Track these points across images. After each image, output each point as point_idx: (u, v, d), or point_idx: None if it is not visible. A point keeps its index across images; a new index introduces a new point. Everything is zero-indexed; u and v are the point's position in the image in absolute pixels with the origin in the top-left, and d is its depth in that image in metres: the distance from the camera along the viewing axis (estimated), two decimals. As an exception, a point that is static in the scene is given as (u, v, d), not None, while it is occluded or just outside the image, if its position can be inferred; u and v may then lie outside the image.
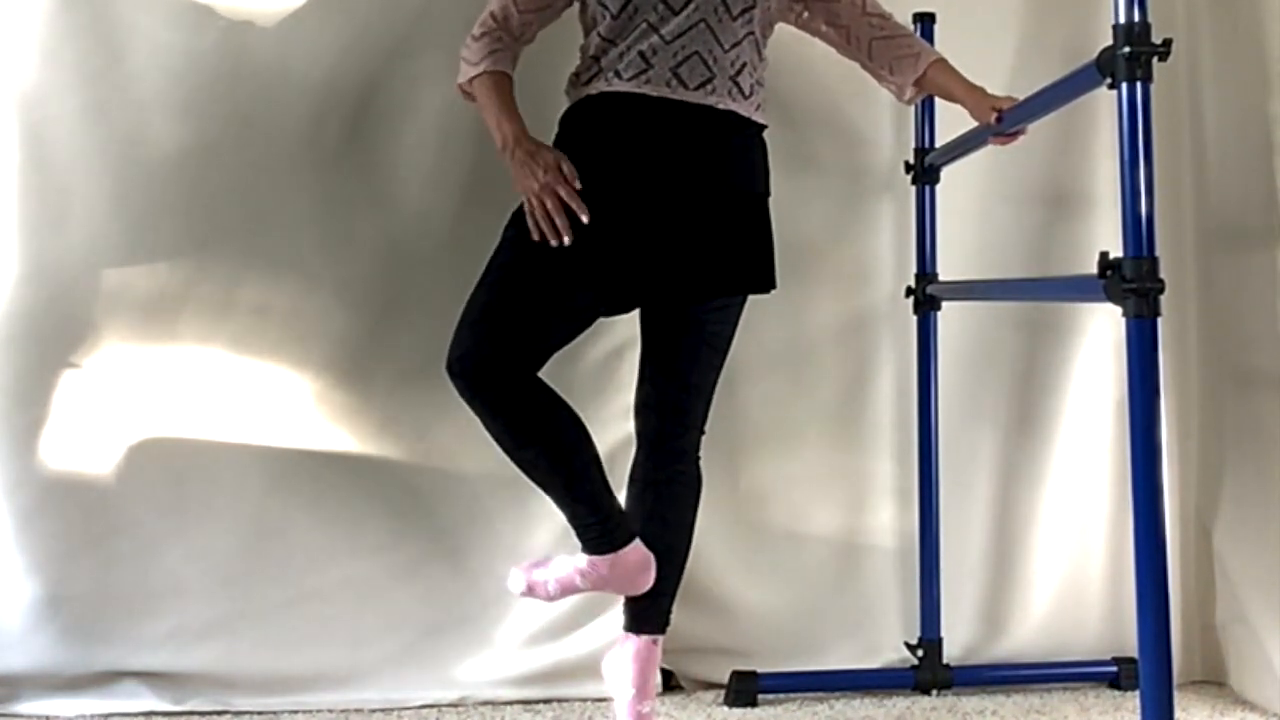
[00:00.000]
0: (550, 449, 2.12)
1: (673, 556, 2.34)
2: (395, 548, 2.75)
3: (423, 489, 2.76)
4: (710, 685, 2.86)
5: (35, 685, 2.59)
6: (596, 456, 2.17)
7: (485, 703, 2.72)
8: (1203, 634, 2.94)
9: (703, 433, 2.38)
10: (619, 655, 2.37)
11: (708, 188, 2.21)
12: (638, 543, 2.23)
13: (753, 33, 2.25)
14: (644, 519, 2.30)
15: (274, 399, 2.71)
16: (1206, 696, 2.83)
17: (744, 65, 2.23)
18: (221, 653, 2.66)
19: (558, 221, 2.11)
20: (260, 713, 2.64)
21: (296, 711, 2.65)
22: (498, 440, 2.12)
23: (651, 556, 2.25)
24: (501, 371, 2.07)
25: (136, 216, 2.64)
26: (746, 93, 2.24)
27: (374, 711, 2.67)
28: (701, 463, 2.38)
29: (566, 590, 2.28)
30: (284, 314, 2.71)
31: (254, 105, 2.68)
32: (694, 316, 2.29)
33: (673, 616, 2.83)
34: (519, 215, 2.21)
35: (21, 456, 2.61)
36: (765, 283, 2.33)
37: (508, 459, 2.15)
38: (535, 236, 2.14)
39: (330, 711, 2.66)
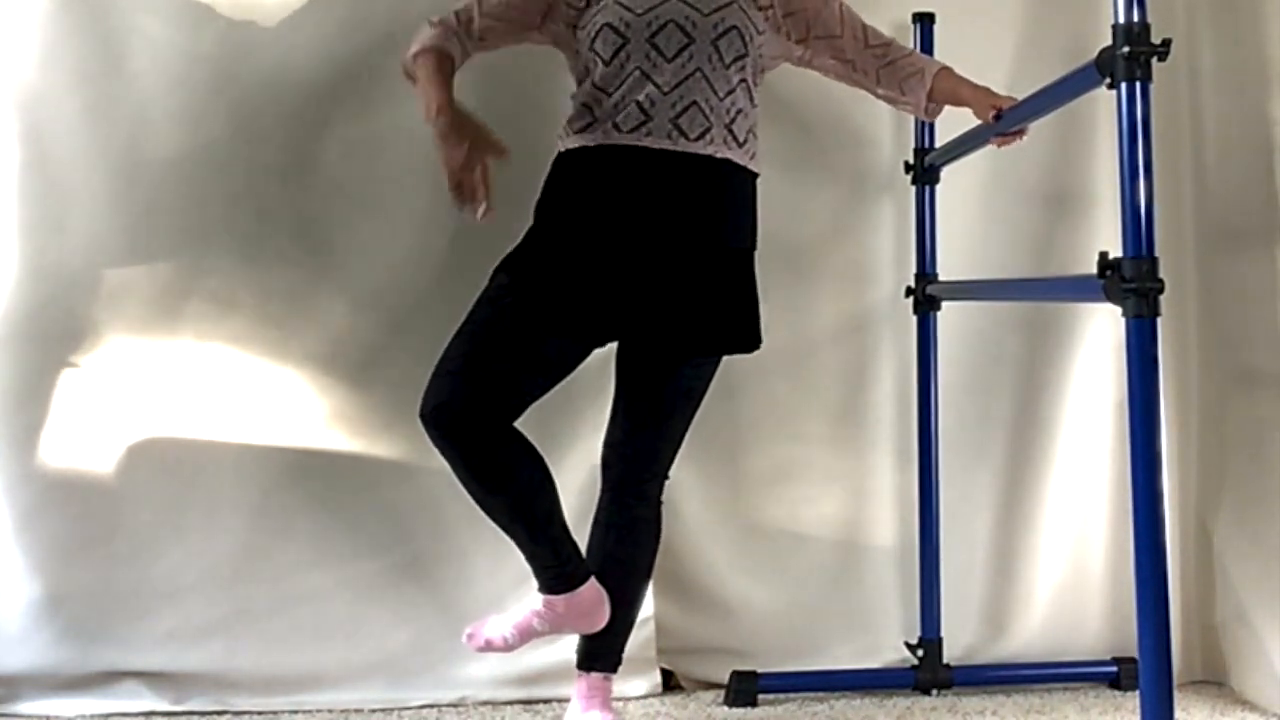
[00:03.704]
0: (515, 497, 2.13)
1: (629, 597, 2.37)
2: (395, 547, 2.75)
3: (423, 488, 2.75)
4: (710, 685, 2.86)
5: (35, 685, 2.59)
6: (558, 502, 2.19)
7: (485, 703, 2.72)
8: (1203, 634, 2.93)
9: (667, 478, 2.39)
10: (574, 698, 2.41)
11: (701, 244, 2.20)
12: (593, 581, 2.24)
13: (745, 80, 2.25)
14: (603, 560, 2.33)
15: (274, 399, 2.71)
16: (1206, 696, 2.83)
17: (739, 112, 2.23)
18: (221, 653, 2.67)
19: (474, 203, 2.05)
20: (260, 713, 2.64)
21: (296, 711, 2.65)
22: (464, 484, 2.13)
23: (605, 594, 2.26)
24: (475, 425, 2.08)
25: (136, 216, 2.65)
26: (741, 140, 2.24)
27: (374, 711, 2.67)
28: (664, 507, 2.41)
29: (525, 635, 2.28)
30: (283, 314, 2.72)
31: (254, 105, 2.68)
32: (671, 370, 2.29)
33: (672, 617, 2.85)
34: (510, 260, 2.20)
35: (21, 456, 2.61)
36: (749, 343, 2.32)
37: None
38: (456, 206, 2.07)
39: (330, 711, 2.66)
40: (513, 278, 2.17)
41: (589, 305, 2.15)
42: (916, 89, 2.38)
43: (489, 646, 2.32)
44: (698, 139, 2.17)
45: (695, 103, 2.17)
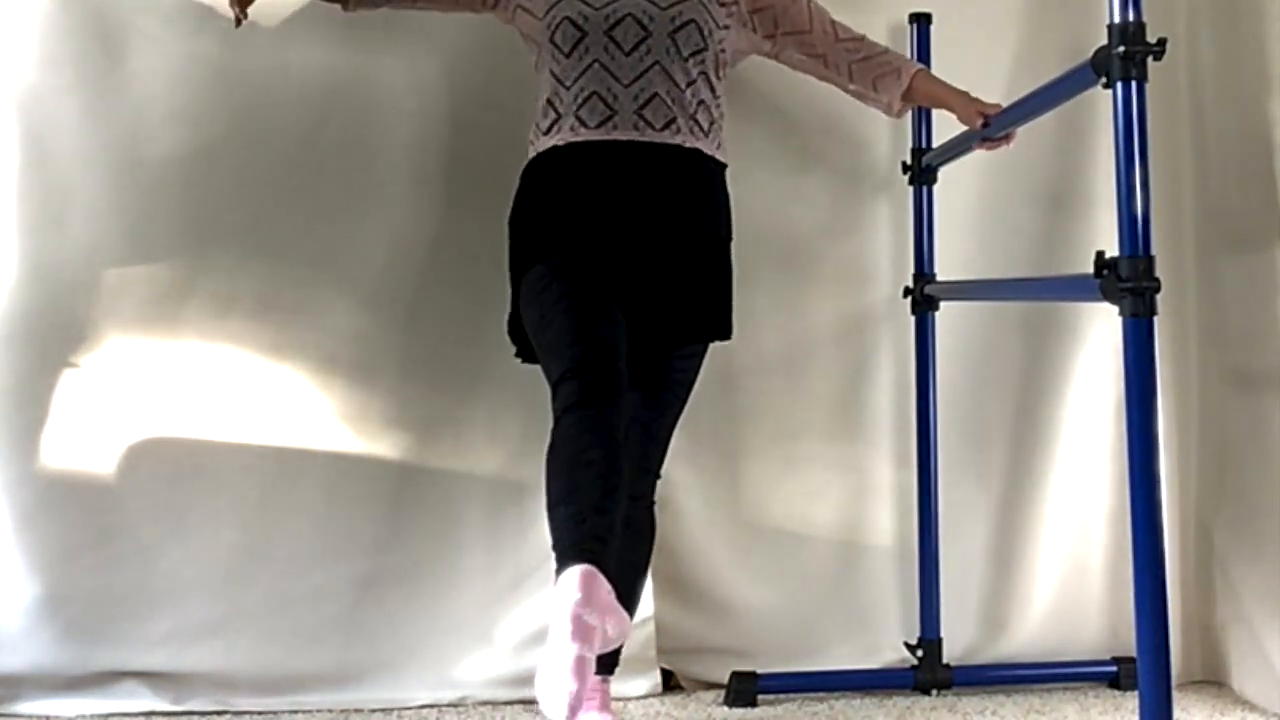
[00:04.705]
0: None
1: (624, 600, 2.30)
2: (395, 547, 2.75)
3: (423, 488, 2.76)
4: (710, 685, 2.86)
5: (35, 685, 2.60)
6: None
7: (485, 703, 2.72)
8: (1203, 634, 2.93)
9: (659, 477, 2.39)
10: None
11: (681, 231, 2.23)
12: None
13: (705, 72, 2.27)
14: None
15: (274, 399, 2.72)
16: (1206, 696, 2.82)
17: (700, 104, 2.26)
18: (221, 653, 2.67)
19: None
20: (260, 713, 2.64)
21: (296, 711, 2.65)
22: (574, 435, 1.98)
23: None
24: (611, 368, 2.04)
25: (136, 216, 2.66)
26: (706, 130, 2.27)
27: (374, 711, 2.67)
28: (656, 509, 2.40)
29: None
30: (284, 314, 2.72)
31: (253, 105, 2.69)
32: (663, 363, 2.30)
33: (672, 617, 2.85)
34: (517, 264, 2.23)
35: (21, 456, 2.62)
36: (725, 330, 2.33)
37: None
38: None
39: (330, 711, 2.66)
40: (547, 266, 2.17)
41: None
42: (891, 86, 2.40)
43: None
44: (664, 129, 2.20)
45: (657, 94, 2.21)
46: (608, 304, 2.14)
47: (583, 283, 2.14)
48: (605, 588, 1.81)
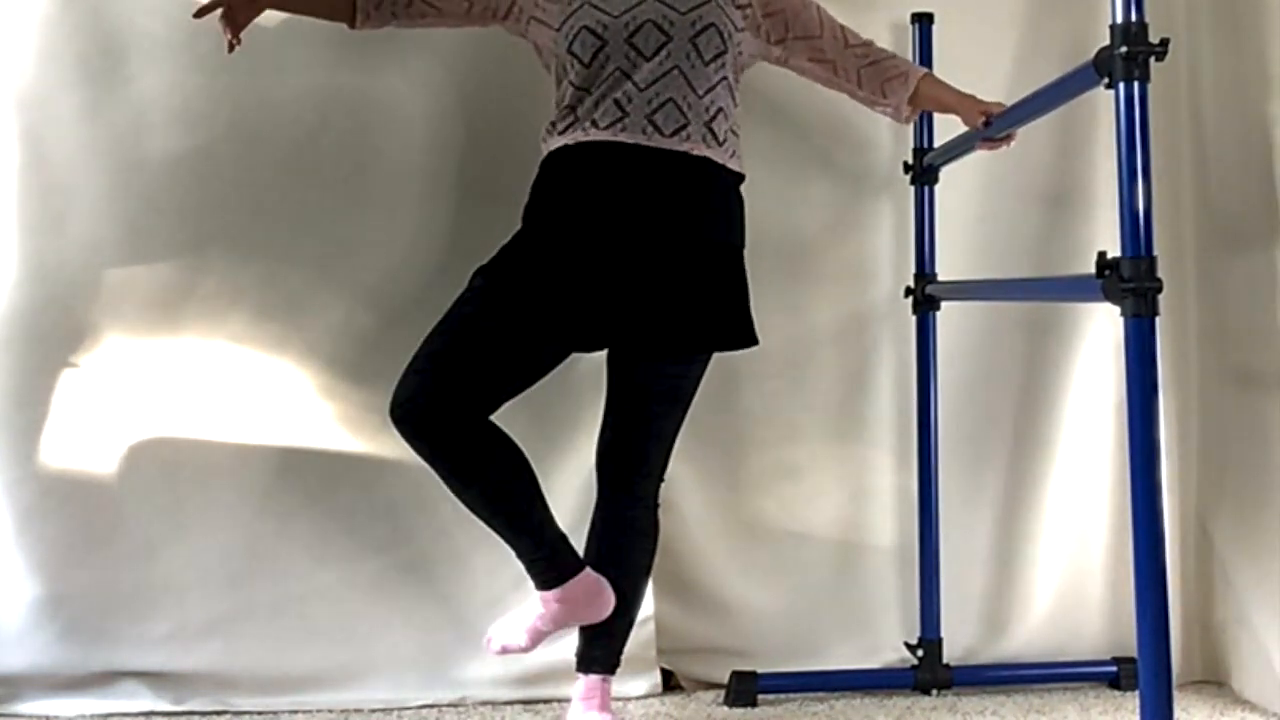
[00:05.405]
0: (491, 490, 2.14)
1: (625, 601, 2.35)
2: (395, 547, 2.75)
3: (423, 488, 2.73)
4: (710, 685, 2.86)
5: (35, 685, 2.60)
6: (539, 494, 2.19)
7: (485, 703, 2.72)
8: (1203, 634, 2.93)
9: (662, 480, 2.39)
10: (574, 699, 2.41)
11: (680, 238, 2.21)
12: (587, 571, 2.24)
13: (726, 78, 2.26)
14: (599, 563, 2.32)
15: (274, 399, 2.72)
16: (1206, 696, 2.82)
17: (719, 111, 2.24)
18: (221, 653, 2.67)
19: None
20: (260, 713, 2.64)
21: (296, 711, 2.65)
22: (442, 479, 2.14)
23: (604, 581, 2.26)
24: (440, 421, 2.09)
25: (136, 216, 2.65)
26: (720, 139, 2.24)
27: (374, 711, 2.67)
28: (660, 511, 2.41)
29: (535, 637, 2.30)
30: (284, 314, 2.72)
31: (253, 106, 2.69)
32: (660, 369, 2.29)
33: (672, 617, 2.85)
34: (488, 268, 2.21)
35: (21, 456, 2.61)
36: (740, 339, 2.31)
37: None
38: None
39: (330, 711, 2.66)
40: (487, 280, 2.18)
41: (562, 308, 2.15)
42: (899, 90, 2.40)
43: (505, 651, 2.35)
44: (673, 135, 2.18)
45: (672, 99, 2.18)
46: (519, 346, 2.14)
47: (505, 319, 2.13)
48: (572, 593, 2.22)
